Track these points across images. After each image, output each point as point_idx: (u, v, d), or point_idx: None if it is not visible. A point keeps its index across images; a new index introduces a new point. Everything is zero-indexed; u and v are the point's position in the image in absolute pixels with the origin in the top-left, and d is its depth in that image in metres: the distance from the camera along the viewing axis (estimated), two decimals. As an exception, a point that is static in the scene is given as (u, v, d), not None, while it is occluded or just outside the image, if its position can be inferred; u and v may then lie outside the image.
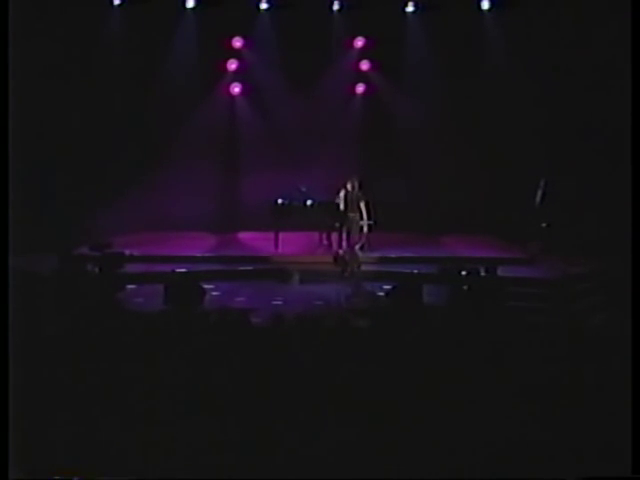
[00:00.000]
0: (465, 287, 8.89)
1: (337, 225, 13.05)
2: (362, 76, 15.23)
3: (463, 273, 9.05)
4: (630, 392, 4.90)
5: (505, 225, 13.64)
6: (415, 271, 11.57)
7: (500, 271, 10.21)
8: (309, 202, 12.98)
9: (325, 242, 13.79)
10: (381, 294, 10.56)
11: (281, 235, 13.14)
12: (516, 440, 4.76)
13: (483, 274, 9.19)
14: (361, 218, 11.63)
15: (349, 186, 11.43)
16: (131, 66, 14.04)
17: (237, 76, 15.06)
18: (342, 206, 11.54)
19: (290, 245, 13.17)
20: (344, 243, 11.61)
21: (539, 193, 12.94)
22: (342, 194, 11.66)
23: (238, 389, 5.23)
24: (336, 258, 11.96)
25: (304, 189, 13.17)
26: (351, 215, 11.44)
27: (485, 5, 14.50)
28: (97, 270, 9.94)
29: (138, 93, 14.11)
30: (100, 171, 13.57)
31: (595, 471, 4.50)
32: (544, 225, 12.70)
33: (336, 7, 14.76)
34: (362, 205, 11.40)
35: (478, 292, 8.91)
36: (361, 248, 11.95)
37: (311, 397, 5.19)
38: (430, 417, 5.06)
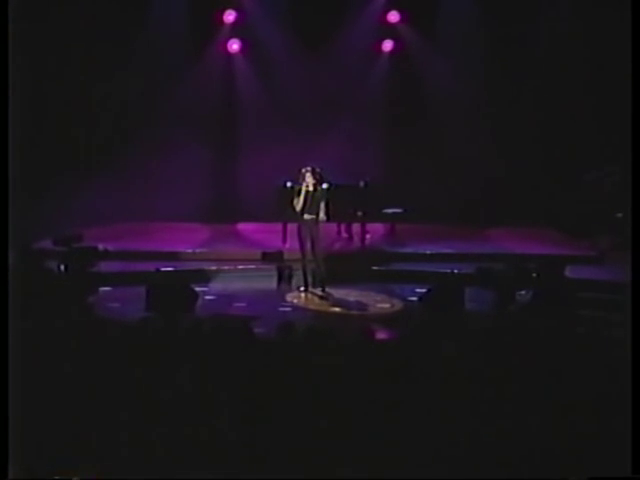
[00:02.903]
0: (523, 292, 8.87)
1: (359, 214, 13.02)
2: (390, 30, 15.20)
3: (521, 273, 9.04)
4: (630, 392, 5.30)
5: (568, 215, 13.55)
6: (455, 271, 11.54)
7: (562, 271, 10.18)
8: (324, 186, 12.90)
9: (345, 234, 13.79)
10: (413, 299, 10.56)
11: (289, 226, 13.11)
12: (516, 440, 5.17)
13: (541, 274, 9.14)
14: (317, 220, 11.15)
15: (308, 179, 11.09)
16: (106, 19, 13.81)
17: (236, 30, 15.05)
18: (299, 207, 11.18)
19: (301, 239, 13.16)
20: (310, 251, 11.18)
21: (608, 179, 12.86)
22: (302, 191, 11.14)
23: (237, 413, 5.23)
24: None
25: (318, 170, 13.12)
26: (307, 217, 11.09)
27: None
28: (63, 268, 9.95)
29: (116, 53, 13.96)
30: (68, 147, 13.54)
31: (595, 471, 5.02)
32: (618, 215, 12.59)
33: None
34: (322, 205, 11.07)
35: (535, 297, 8.85)
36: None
37: (327, 423, 5.17)
38: (466, 446, 5.12)
